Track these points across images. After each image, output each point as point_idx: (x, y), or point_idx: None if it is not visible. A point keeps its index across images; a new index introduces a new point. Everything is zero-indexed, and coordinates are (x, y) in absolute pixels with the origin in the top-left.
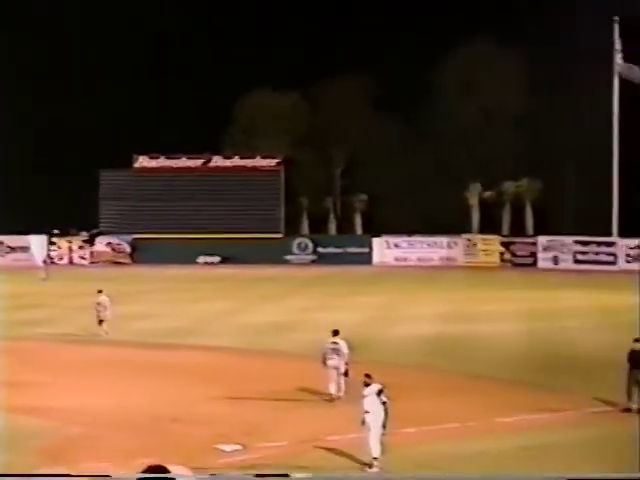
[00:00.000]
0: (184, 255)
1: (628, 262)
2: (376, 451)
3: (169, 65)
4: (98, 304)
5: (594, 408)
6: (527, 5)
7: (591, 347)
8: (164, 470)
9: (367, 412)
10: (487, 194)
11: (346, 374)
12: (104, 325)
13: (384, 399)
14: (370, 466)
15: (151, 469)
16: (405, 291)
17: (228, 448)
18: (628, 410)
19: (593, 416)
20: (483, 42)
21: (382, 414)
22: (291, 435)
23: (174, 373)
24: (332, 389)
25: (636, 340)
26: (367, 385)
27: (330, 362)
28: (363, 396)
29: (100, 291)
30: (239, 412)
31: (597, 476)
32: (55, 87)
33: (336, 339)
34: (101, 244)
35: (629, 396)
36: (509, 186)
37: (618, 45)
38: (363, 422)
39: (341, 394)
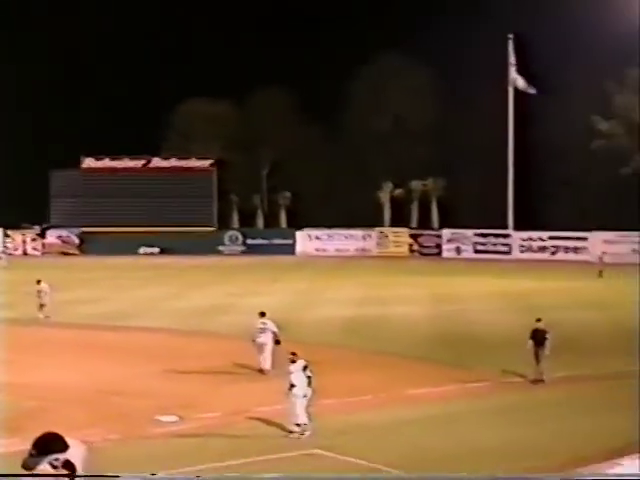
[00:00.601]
0: (127, 246)
1: (522, 252)
2: (303, 419)
3: (113, 75)
4: (39, 291)
5: (500, 380)
6: (433, 22)
7: (492, 326)
8: (59, 438)
9: (293, 386)
10: (397, 192)
11: (278, 342)
12: (44, 310)
13: (308, 374)
14: (292, 432)
15: (46, 437)
16: (324, 278)
17: (166, 419)
18: (537, 381)
19: (500, 387)
20: (393, 57)
21: (306, 387)
22: (224, 407)
23: (117, 351)
24: (261, 364)
25: (537, 320)
26: (293, 362)
27: (258, 340)
28: (289, 372)
29: (39, 281)
30: (176, 386)
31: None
32: (8, 95)
33: (264, 319)
34: (52, 237)
35: (536, 369)
36: (417, 185)
37: (512, 59)
38: (289, 395)
39: (269, 368)
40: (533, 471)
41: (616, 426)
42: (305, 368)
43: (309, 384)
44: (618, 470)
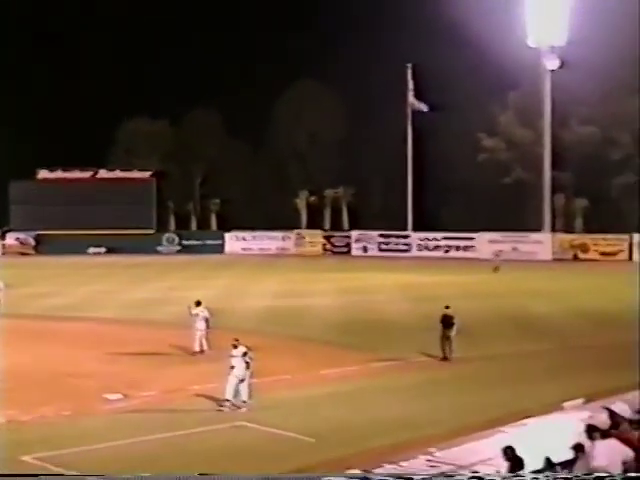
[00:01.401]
0: (77, 247)
1: (419, 250)
2: (244, 396)
3: (67, 96)
4: None
5: (403, 360)
6: (345, 54)
7: (395, 315)
8: None
9: (233, 367)
10: (312, 199)
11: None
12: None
13: (247, 359)
14: (222, 407)
15: None
16: (250, 274)
17: (112, 397)
18: (444, 359)
19: (403, 366)
20: (309, 82)
21: (244, 370)
22: (162, 385)
23: (70, 339)
24: (197, 347)
25: (446, 307)
26: (235, 347)
27: (195, 325)
28: (231, 355)
29: None
30: (122, 369)
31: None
32: None
33: (199, 308)
34: (11, 239)
35: (443, 349)
36: (329, 193)
37: (410, 84)
38: (229, 375)
39: (206, 349)
40: (427, 438)
41: (502, 398)
42: (245, 354)
43: (247, 367)
44: (501, 436)
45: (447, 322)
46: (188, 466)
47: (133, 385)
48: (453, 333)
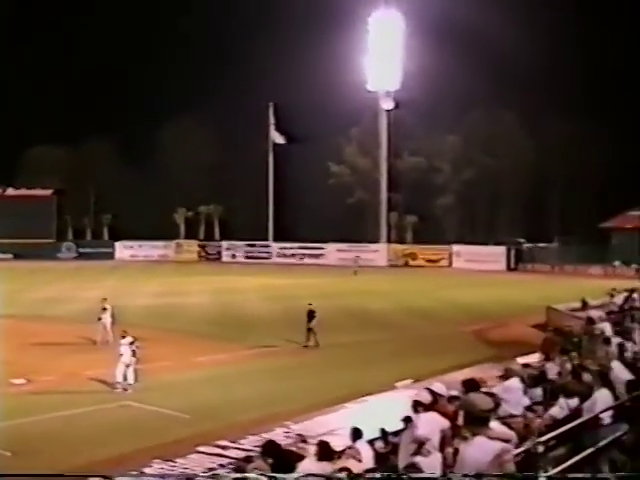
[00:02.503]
0: None
1: (278, 257)
2: (131, 379)
3: None
4: None
5: (265, 348)
6: (218, 93)
7: (257, 311)
8: None
9: (121, 355)
10: (189, 214)
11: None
12: None
13: (134, 348)
14: (115, 389)
15: None
16: (136, 277)
17: (18, 381)
18: (306, 346)
19: (265, 353)
20: (187, 116)
21: (131, 357)
22: (60, 371)
23: None
24: (103, 337)
25: (309, 304)
26: (123, 337)
27: (101, 317)
28: (120, 344)
29: None
30: (26, 357)
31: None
32: None
33: (105, 304)
34: None
35: (307, 338)
36: (203, 209)
37: (272, 119)
38: (119, 361)
39: (110, 340)
40: (285, 413)
41: (347, 379)
42: (132, 343)
43: (133, 355)
44: (345, 411)
45: (310, 316)
46: (82, 439)
47: (36, 371)
48: (314, 325)
